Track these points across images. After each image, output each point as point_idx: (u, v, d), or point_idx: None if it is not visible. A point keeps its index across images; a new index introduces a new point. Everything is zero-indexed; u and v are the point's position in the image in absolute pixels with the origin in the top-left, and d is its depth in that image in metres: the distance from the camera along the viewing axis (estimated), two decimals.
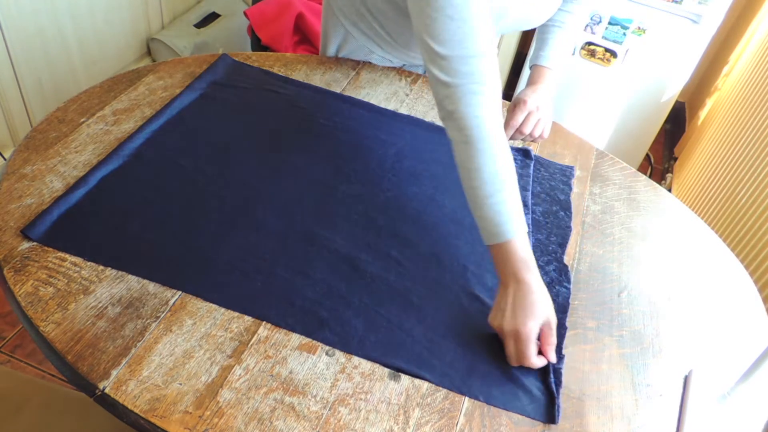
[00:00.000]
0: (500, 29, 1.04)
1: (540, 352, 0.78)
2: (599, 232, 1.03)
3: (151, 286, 0.80)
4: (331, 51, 1.31)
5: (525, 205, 1.03)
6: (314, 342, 0.77)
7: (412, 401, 0.74)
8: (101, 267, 0.81)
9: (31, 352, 1.55)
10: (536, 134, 1.06)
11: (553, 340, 0.78)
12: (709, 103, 2.39)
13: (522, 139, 1.10)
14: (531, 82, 1.10)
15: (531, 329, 0.75)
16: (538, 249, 0.96)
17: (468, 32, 0.78)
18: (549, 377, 0.78)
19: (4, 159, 1.82)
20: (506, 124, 1.06)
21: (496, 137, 0.80)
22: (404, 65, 1.31)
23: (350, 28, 1.24)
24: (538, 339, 0.78)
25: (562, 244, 0.98)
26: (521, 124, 1.04)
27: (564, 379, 0.79)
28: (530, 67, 1.14)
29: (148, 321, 0.76)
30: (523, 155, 1.13)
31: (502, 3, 0.96)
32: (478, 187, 0.80)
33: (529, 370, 0.78)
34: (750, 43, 2.18)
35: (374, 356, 0.77)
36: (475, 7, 0.78)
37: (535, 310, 0.76)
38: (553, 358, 0.78)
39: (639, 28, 2.12)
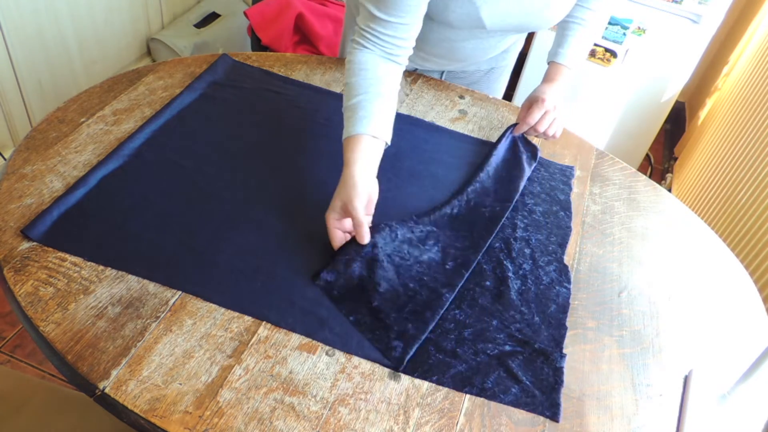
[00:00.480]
0: (502, 24, 1.03)
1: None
2: (599, 232, 1.03)
3: (151, 286, 0.80)
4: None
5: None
6: (314, 342, 0.77)
7: (412, 401, 0.74)
8: (101, 267, 0.81)
9: (31, 352, 1.55)
10: (550, 133, 1.07)
11: (356, 219, 0.84)
12: (709, 103, 2.39)
13: (535, 136, 1.10)
14: (548, 79, 1.11)
15: (327, 216, 0.86)
16: (539, 249, 0.96)
17: (406, 4, 0.90)
18: (554, 377, 0.78)
19: (4, 159, 1.82)
20: (522, 120, 1.07)
21: (368, 71, 0.92)
22: (417, 69, 1.31)
23: None
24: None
25: (562, 244, 0.98)
26: (537, 122, 1.05)
27: (564, 378, 0.79)
28: (548, 63, 1.14)
29: (148, 321, 0.76)
30: (530, 154, 1.13)
31: None
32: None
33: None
34: (750, 43, 2.18)
35: (374, 356, 0.77)
36: None
37: (333, 200, 0.86)
38: (360, 237, 0.84)
39: (639, 28, 2.12)
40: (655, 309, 0.92)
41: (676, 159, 2.51)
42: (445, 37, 1.10)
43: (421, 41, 1.12)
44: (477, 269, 0.90)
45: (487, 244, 0.93)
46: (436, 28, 1.05)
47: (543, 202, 1.05)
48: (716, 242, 1.07)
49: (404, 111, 1.20)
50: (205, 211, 0.91)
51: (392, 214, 0.96)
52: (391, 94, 0.93)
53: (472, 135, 1.17)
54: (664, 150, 2.74)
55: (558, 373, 0.79)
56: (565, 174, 1.13)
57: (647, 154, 2.60)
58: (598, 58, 2.23)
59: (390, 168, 1.05)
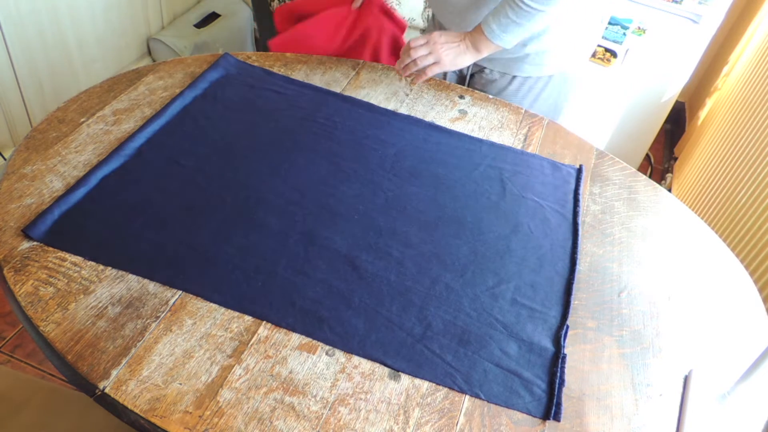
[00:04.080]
0: None
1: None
2: (599, 232, 1.03)
3: (151, 286, 0.80)
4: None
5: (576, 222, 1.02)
6: (314, 342, 0.77)
7: (412, 401, 0.74)
8: (101, 267, 0.81)
9: (31, 352, 1.55)
10: (420, 63, 1.15)
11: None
12: (709, 103, 2.39)
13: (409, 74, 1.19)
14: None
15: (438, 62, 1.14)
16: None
17: None
18: (555, 376, 0.78)
19: (4, 159, 1.82)
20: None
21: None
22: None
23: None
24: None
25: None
26: (413, 49, 1.14)
27: (565, 378, 0.79)
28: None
29: (148, 321, 0.76)
30: (576, 173, 1.13)
31: None
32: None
33: (531, 367, 0.78)
34: (750, 43, 2.18)
35: (375, 356, 0.77)
36: None
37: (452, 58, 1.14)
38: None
39: (639, 28, 2.12)
40: (655, 309, 0.92)
41: (676, 159, 2.51)
42: None
43: None
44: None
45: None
46: None
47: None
48: (716, 242, 1.07)
49: (404, 111, 1.20)
50: (206, 211, 0.91)
51: (393, 215, 0.96)
52: None
53: (473, 135, 1.17)
54: (664, 150, 2.74)
55: (558, 372, 0.79)
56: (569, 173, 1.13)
57: (647, 154, 2.60)
58: (598, 58, 2.22)
59: (390, 168, 1.05)
